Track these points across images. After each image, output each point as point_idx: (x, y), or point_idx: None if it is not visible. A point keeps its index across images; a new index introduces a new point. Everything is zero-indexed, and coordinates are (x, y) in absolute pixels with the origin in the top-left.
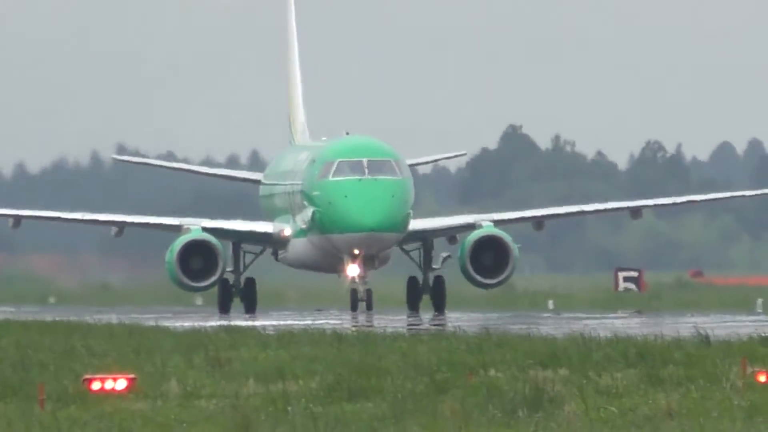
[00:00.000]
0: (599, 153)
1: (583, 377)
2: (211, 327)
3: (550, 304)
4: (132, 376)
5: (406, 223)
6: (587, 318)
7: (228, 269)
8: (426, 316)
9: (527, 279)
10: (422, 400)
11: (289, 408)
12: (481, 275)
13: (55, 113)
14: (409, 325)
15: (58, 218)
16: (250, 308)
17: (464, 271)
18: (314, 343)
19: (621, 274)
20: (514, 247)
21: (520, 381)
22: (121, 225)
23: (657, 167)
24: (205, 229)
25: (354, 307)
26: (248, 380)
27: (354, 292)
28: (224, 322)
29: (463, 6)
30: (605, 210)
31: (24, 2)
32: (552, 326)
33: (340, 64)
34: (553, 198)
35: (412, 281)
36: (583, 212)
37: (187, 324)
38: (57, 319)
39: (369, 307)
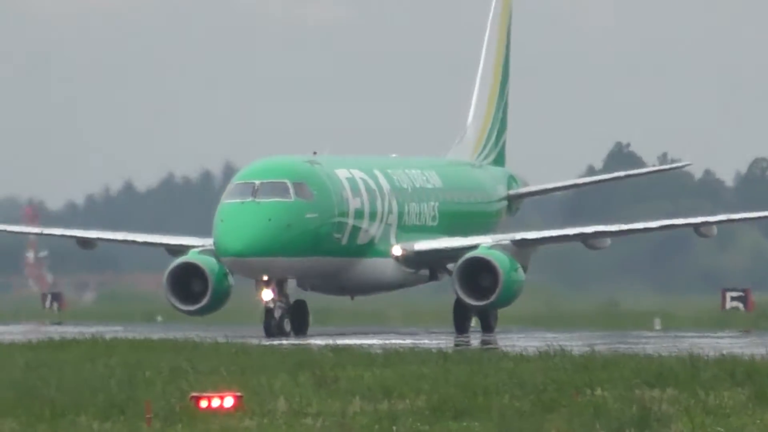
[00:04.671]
0: (707, 171)
1: (691, 396)
2: (317, 345)
3: (657, 323)
4: (239, 394)
5: (299, 247)
6: (694, 337)
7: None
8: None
9: (633, 299)
10: (528, 419)
11: (395, 427)
12: (474, 298)
13: (163, 131)
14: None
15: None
16: (299, 331)
17: (455, 292)
18: (420, 361)
19: (728, 294)
20: (504, 269)
21: (626, 400)
22: (168, 247)
23: (765, 184)
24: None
25: (268, 333)
26: (354, 398)
27: (269, 317)
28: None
29: (567, 23)
30: (662, 228)
31: (137, 20)
32: (658, 345)
33: (441, 81)
34: (658, 217)
35: (459, 302)
36: (607, 233)
37: (294, 343)
38: (164, 337)
39: (281, 332)
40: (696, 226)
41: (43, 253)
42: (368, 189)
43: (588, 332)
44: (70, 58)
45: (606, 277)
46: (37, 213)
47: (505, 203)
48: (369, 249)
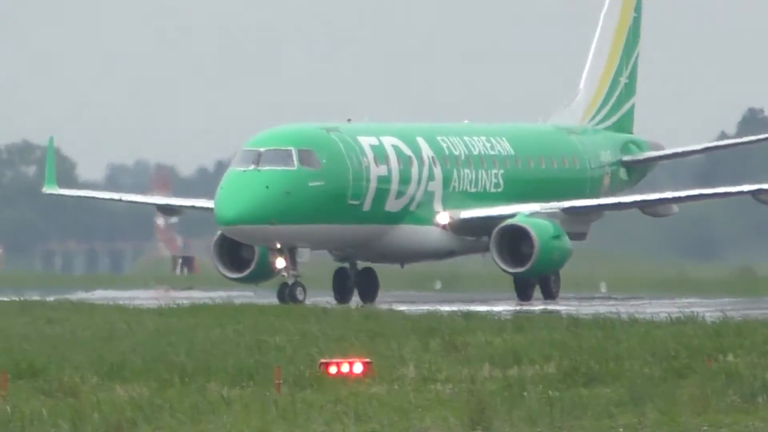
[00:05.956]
0: None
1: None
2: (447, 311)
3: None
4: (368, 360)
5: (302, 214)
6: None
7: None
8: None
9: (767, 265)
10: (660, 386)
11: (525, 393)
12: (511, 265)
13: (291, 98)
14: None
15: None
16: (366, 298)
17: (492, 259)
18: (550, 327)
19: None
20: (541, 237)
21: (759, 367)
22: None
23: None
24: None
25: (282, 298)
26: (484, 364)
27: (283, 285)
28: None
29: None
30: (723, 195)
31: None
32: None
33: (552, 48)
34: None
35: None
36: (665, 200)
37: (423, 308)
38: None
39: (294, 300)
40: (753, 193)
41: (173, 218)
42: (401, 156)
43: (721, 299)
44: (205, 30)
45: (740, 243)
46: (167, 178)
47: (609, 169)
48: (405, 216)
